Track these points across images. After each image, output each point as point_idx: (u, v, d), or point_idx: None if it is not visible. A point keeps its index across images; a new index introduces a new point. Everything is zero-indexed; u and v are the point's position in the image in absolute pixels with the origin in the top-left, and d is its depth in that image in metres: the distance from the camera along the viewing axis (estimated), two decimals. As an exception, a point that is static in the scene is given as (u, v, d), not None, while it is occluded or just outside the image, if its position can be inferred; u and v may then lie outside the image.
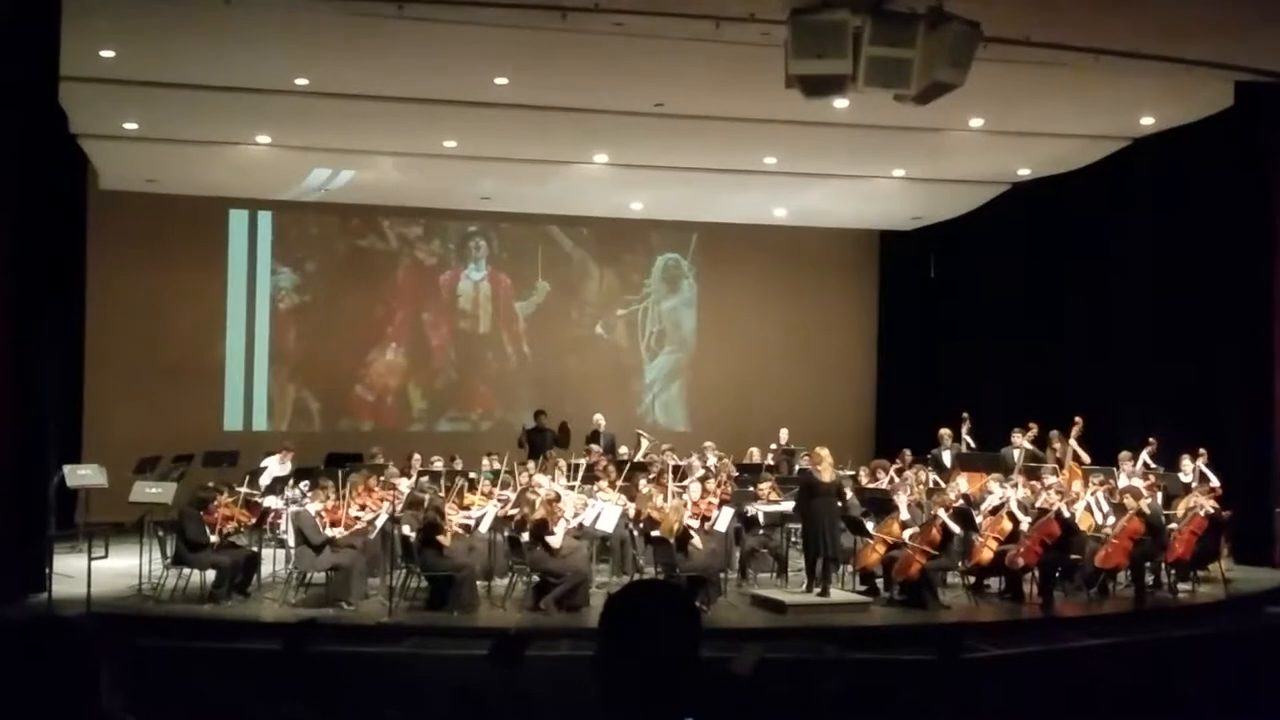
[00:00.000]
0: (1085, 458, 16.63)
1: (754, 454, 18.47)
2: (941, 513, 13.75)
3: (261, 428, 21.52)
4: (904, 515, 14.04)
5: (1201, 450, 15.50)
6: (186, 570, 13.49)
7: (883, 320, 24.84)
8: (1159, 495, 15.05)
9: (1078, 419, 16.67)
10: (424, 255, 23.07)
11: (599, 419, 20.30)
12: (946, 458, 17.76)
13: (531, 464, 16.87)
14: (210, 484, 14.36)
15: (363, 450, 18.09)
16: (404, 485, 15.28)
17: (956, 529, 13.78)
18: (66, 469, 14.42)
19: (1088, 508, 14.71)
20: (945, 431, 18.35)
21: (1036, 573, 13.95)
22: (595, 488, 15.38)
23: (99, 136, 17.51)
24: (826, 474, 13.87)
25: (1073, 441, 16.72)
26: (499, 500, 14.70)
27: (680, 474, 16.08)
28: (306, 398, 22.37)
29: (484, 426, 22.75)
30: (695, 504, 14.31)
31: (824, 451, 14.03)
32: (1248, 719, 7.21)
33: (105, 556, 13.85)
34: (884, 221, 23.86)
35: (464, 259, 23.26)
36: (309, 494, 14.35)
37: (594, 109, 16.36)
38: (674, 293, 24.21)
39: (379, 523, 13.83)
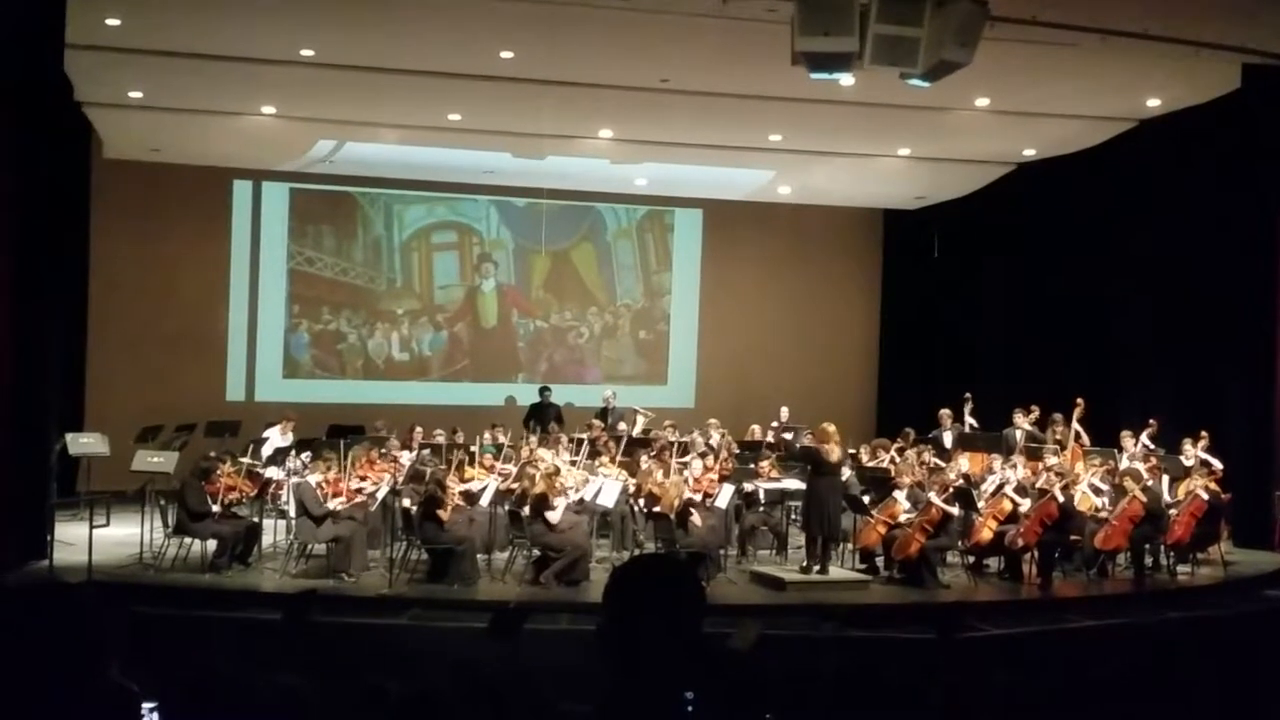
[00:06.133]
0: (1086, 439, 16.62)
1: (755, 431, 18.47)
2: (933, 496, 13.73)
3: (264, 398, 21.48)
4: (903, 503, 13.97)
5: (1203, 433, 15.50)
6: (187, 540, 13.52)
7: (886, 299, 24.81)
8: (1161, 478, 15.06)
9: (1079, 400, 16.65)
10: (430, 228, 23.05)
11: (609, 395, 20.33)
12: (947, 438, 17.75)
13: (533, 438, 16.90)
14: (212, 454, 14.39)
15: (365, 422, 18.08)
16: (405, 458, 15.29)
17: (953, 510, 13.77)
18: (69, 437, 14.43)
19: (1088, 489, 14.72)
20: (945, 412, 18.33)
21: (1036, 553, 13.97)
22: (597, 463, 15.40)
23: (104, 105, 17.46)
24: (835, 453, 13.76)
25: (1074, 423, 16.72)
26: (500, 474, 14.71)
27: (682, 450, 16.08)
28: (310, 367, 22.38)
29: (490, 397, 22.65)
30: (696, 480, 14.31)
31: (831, 428, 13.84)
32: (1245, 701, 7.22)
33: (106, 525, 13.87)
34: (888, 200, 23.82)
35: (470, 232, 23.24)
36: (309, 465, 14.36)
37: (599, 84, 16.33)
38: (677, 269, 24.17)
39: (380, 495, 13.84)
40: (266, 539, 14.46)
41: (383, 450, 15.47)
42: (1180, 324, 17.65)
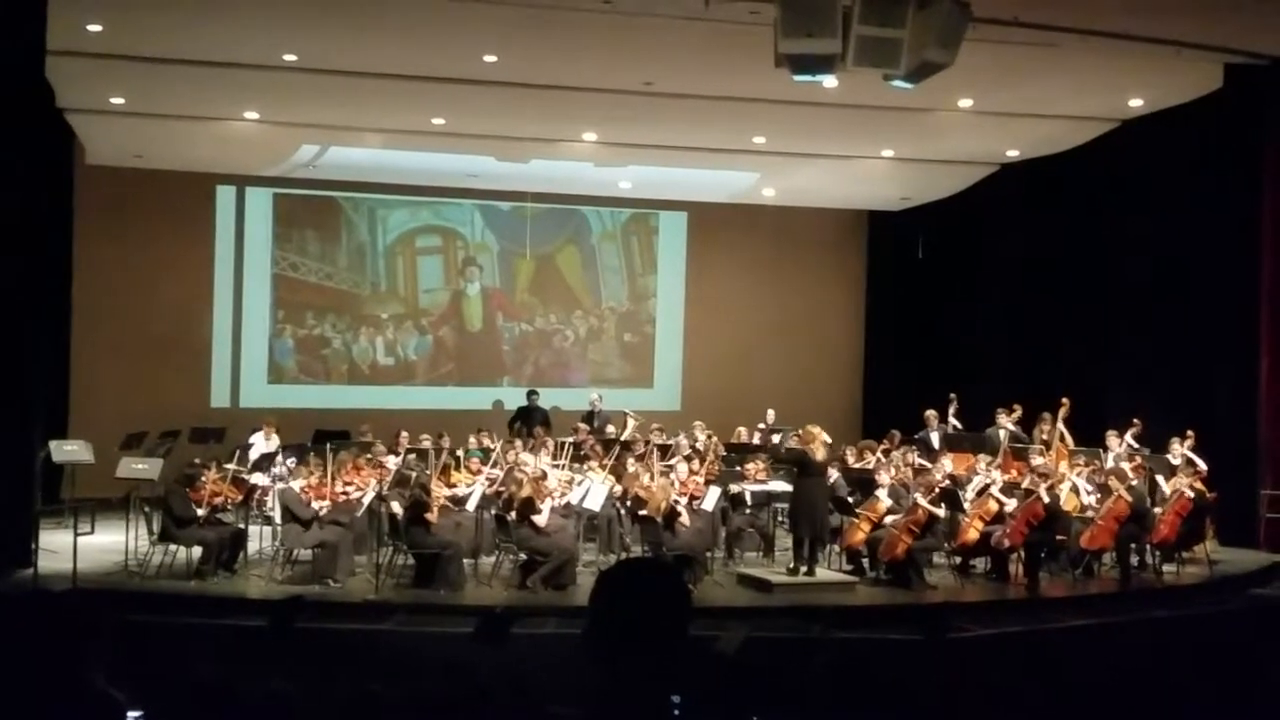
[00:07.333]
0: (1070, 439, 16.62)
1: (741, 433, 18.45)
2: (919, 497, 13.74)
3: (249, 404, 21.42)
4: (885, 500, 13.98)
5: (1189, 433, 15.52)
6: (173, 547, 13.47)
7: (870, 301, 24.83)
8: (1146, 477, 15.08)
9: (1064, 400, 16.67)
10: (414, 232, 23.01)
11: (595, 398, 20.33)
12: (934, 439, 17.74)
13: (519, 442, 16.88)
14: (197, 460, 14.34)
15: (351, 427, 18.03)
16: (391, 463, 15.26)
17: (938, 511, 13.76)
18: (52, 444, 14.35)
19: (1073, 489, 14.75)
20: (931, 413, 18.32)
21: (1022, 553, 13.99)
22: (584, 467, 15.38)
23: (86, 111, 17.41)
24: (820, 453, 13.79)
25: (1059, 423, 16.73)
26: (487, 478, 14.69)
27: (668, 453, 16.07)
28: (295, 373, 22.33)
29: (476, 401, 22.59)
30: (683, 483, 14.30)
31: (817, 430, 13.90)
32: (1231, 700, 7.24)
33: (91, 532, 13.81)
34: (873, 202, 23.84)
35: (455, 236, 23.21)
36: (293, 471, 14.32)
37: (583, 87, 16.31)
38: (662, 271, 24.16)
39: (366, 500, 13.81)
40: (252, 545, 14.41)
41: (368, 455, 15.43)
42: (1165, 323, 17.68)
